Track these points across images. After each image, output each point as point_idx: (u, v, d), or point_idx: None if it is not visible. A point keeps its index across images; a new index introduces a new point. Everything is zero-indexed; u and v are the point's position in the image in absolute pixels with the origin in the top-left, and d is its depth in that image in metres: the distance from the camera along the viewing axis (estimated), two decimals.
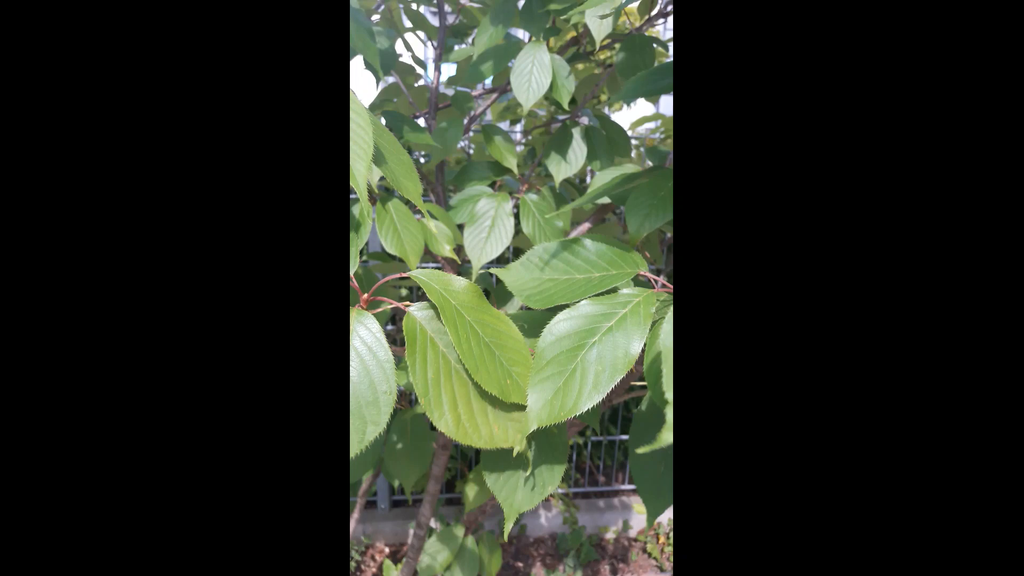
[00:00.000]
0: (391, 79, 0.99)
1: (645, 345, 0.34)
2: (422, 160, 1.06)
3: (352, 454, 0.30)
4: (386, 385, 0.31)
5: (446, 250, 0.68)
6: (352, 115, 0.30)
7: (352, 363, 0.31)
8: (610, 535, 1.45)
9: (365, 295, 0.35)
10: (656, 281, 0.39)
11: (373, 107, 1.00)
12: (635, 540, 1.45)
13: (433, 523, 1.35)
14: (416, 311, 0.34)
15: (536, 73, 0.70)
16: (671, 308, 0.34)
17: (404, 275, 0.35)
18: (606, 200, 0.67)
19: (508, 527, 0.47)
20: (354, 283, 0.36)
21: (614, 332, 0.34)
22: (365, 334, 0.32)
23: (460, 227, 0.76)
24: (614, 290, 0.37)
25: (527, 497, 0.40)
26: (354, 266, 0.36)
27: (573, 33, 0.79)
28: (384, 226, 0.60)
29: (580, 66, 0.97)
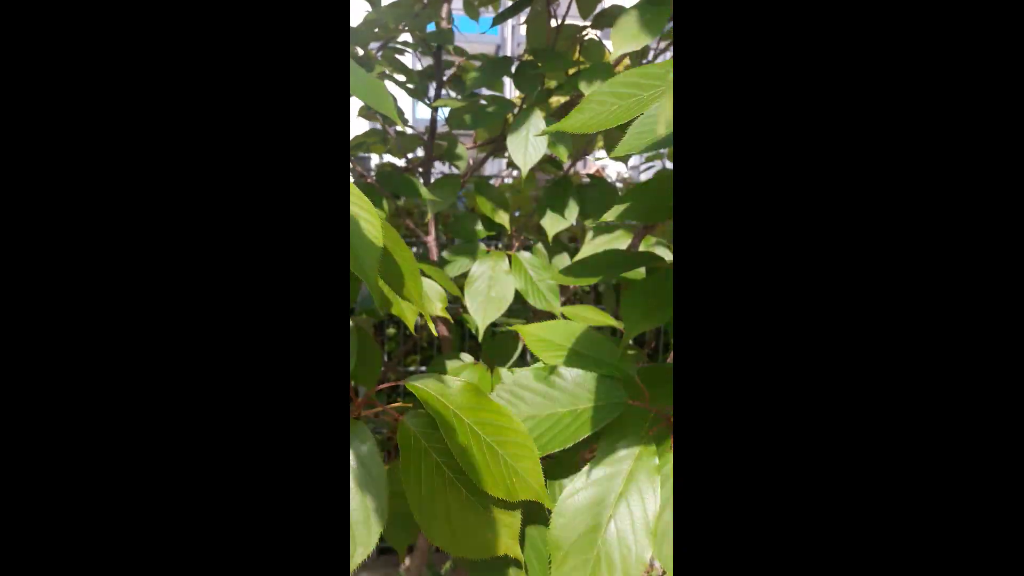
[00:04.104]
0: (375, 124, 1.00)
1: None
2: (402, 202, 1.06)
3: None
4: (377, 503, 0.30)
5: (437, 308, 0.68)
6: (361, 215, 0.30)
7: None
8: None
9: (359, 399, 0.35)
10: (650, 410, 0.36)
11: (354, 148, 1.00)
12: None
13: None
14: (410, 421, 0.33)
15: (532, 138, 0.71)
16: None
17: (396, 382, 0.34)
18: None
19: None
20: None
21: (627, 498, 0.32)
22: (359, 447, 0.31)
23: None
24: (607, 429, 0.34)
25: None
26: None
27: (566, 98, 0.80)
28: (381, 286, 0.59)
29: None
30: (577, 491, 0.33)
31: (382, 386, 0.39)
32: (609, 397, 0.36)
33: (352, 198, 0.30)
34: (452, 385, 0.34)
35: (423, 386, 0.34)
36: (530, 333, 0.43)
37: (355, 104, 0.96)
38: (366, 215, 0.30)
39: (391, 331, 1.34)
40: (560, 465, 0.38)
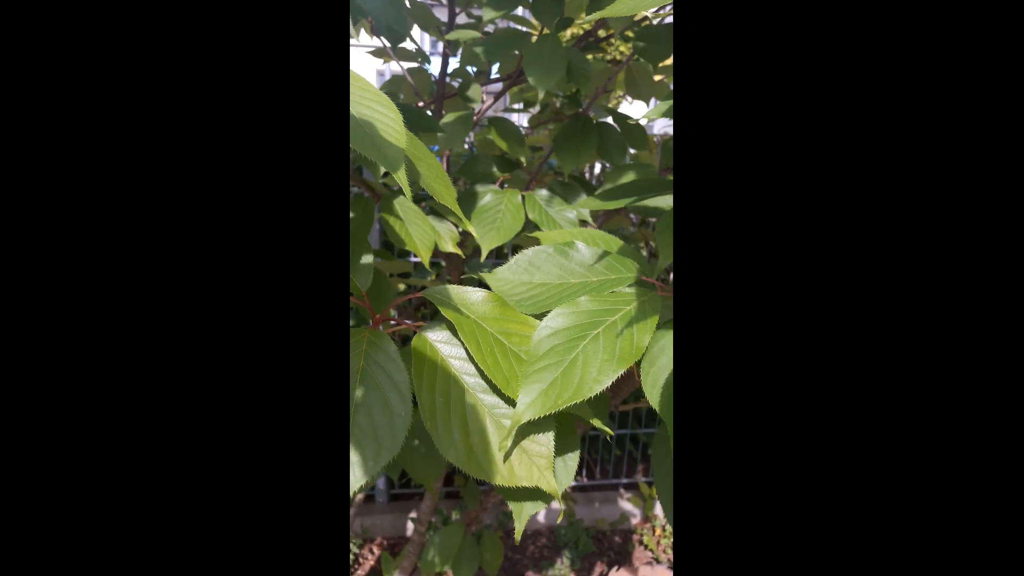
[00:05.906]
0: (397, 70, 0.97)
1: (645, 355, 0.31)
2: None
3: (363, 480, 0.28)
4: (401, 408, 0.30)
5: (450, 246, 0.66)
6: (378, 111, 0.28)
7: (366, 385, 0.30)
8: (607, 528, 1.46)
9: (378, 315, 0.33)
10: (661, 286, 0.37)
11: None
12: (632, 533, 1.46)
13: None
14: (428, 332, 0.32)
15: (550, 60, 0.67)
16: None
17: (417, 294, 0.33)
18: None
19: (520, 528, 0.45)
20: (365, 301, 0.34)
21: (619, 325, 0.32)
22: (380, 356, 0.30)
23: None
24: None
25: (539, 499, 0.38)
26: (366, 282, 0.35)
27: (583, 28, 0.76)
28: (393, 223, 0.58)
29: (590, 56, 0.94)
30: (570, 312, 0.32)
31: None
32: (622, 271, 0.35)
33: (368, 97, 0.28)
34: (474, 295, 0.33)
35: (442, 296, 0.32)
36: (550, 237, 0.42)
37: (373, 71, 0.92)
38: (384, 111, 0.29)
39: (401, 287, 1.33)
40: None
